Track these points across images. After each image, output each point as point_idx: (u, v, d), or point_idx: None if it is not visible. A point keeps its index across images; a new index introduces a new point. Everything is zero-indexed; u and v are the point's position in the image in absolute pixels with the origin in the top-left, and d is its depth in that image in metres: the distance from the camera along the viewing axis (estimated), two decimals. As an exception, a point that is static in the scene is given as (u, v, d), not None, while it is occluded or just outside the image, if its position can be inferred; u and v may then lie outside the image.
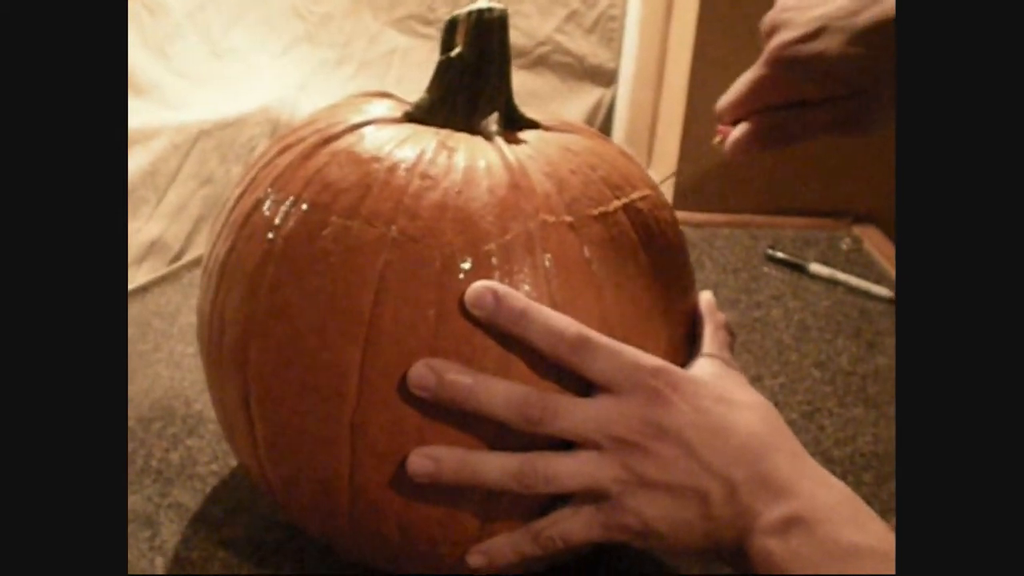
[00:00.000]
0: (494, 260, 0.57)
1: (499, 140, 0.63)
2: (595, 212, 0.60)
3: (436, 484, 0.57)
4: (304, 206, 0.59)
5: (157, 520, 0.73)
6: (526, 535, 0.60)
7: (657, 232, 0.64)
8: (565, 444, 0.58)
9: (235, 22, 1.38)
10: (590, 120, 1.54)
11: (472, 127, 0.64)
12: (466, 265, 0.56)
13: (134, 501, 0.74)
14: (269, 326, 0.59)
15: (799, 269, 1.19)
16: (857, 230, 1.33)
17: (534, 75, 1.48)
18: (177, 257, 1.21)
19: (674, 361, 0.60)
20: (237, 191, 0.65)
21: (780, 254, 1.22)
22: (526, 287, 0.57)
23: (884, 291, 1.13)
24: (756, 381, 0.92)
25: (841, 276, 1.17)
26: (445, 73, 0.65)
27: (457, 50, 0.64)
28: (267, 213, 0.60)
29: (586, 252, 0.59)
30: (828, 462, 0.75)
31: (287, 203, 0.60)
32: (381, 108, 0.67)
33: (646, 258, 0.62)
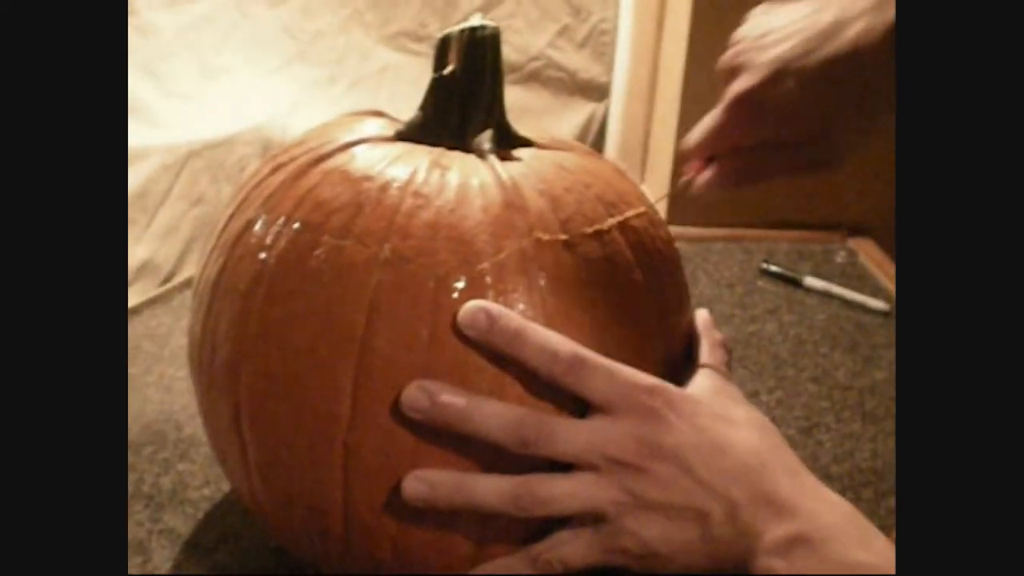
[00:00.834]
0: (488, 279, 0.56)
1: (492, 158, 0.62)
2: (590, 230, 0.60)
3: (431, 508, 0.57)
4: (296, 226, 0.58)
5: (149, 546, 0.72)
6: (523, 559, 0.60)
7: (652, 250, 0.63)
8: (562, 467, 0.58)
9: (225, 42, 1.37)
10: (583, 135, 1.53)
11: (465, 145, 0.64)
12: (460, 285, 0.56)
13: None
14: (260, 347, 0.58)
15: (794, 283, 1.19)
16: (852, 243, 1.32)
17: (526, 90, 1.47)
18: (168, 279, 1.20)
19: (671, 380, 0.60)
20: (228, 211, 0.64)
21: (775, 268, 1.21)
22: (520, 306, 0.56)
23: (880, 304, 1.13)
24: (753, 397, 0.91)
25: (836, 289, 1.16)
26: (438, 91, 0.65)
27: (450, 68, 0.64)
28: (258, 233, 0.60)
29: (581, 270, 0.58)
30: (827, 478, 0.75)
31: (278, 223, 0.59)
32: (373, 127, 0.66)
33: (642, 276, 0.61)
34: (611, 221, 0.61)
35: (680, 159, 0.74)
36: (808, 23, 0.65)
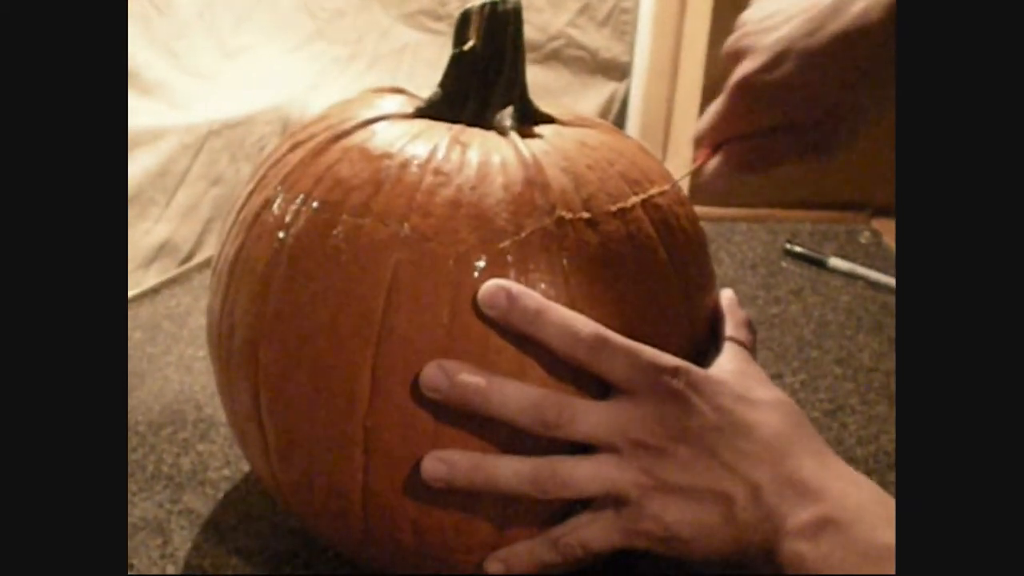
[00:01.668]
0: (509, 258, 0.55)
1: (514, 135, 0.61)
2: (613, 208, 0.59)
3: (450, 489, 0.56)
4: (314, 204, 0.58)
5: (168, 527, 0.71)
6: (544, 542, 0.59)
7: (677, 228, 0.62)
8: (583, 449, 0.57)
9: (244, 20, 1.37)
10: (603, 114, 1.52)
11: (486, 122, 0.63)
12: (480, 264, 0.55)
13: (144, 507, 0.73)
14: (279, 327, 0.57)
15: (818, 264, 1.18)
16: (876, 223, 1.31)
17: (546, 70, 1.46)
18: (187, 259, 1.19)
19: (695, 361, 0.59)
20: (247, 189, 0.64)
21: (799, 248, 1.20)
22: (542, 286, 0.55)
23: (905, 285, 1.11)
24: (777, 379, 0.91)
25: (861, 270, 1.15)
26: (458, 67, 0.64)
27: (470, 43, 0.63)
28: (277, 212, 0.59)
29: (604, 249, 0.57)
30: (851, 461, 0.74)
31: (297, 201, 0.58)
32: (393, 103, 0.65)
33: (666, 255, 0.60)
34: (635, 199, 0.60)
35: (695, 145, 0.73)
36: (810, 3, 0.64)
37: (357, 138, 0.60)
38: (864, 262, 1.17)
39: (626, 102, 1.54)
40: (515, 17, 0.62)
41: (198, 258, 1.20)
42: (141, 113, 1.19)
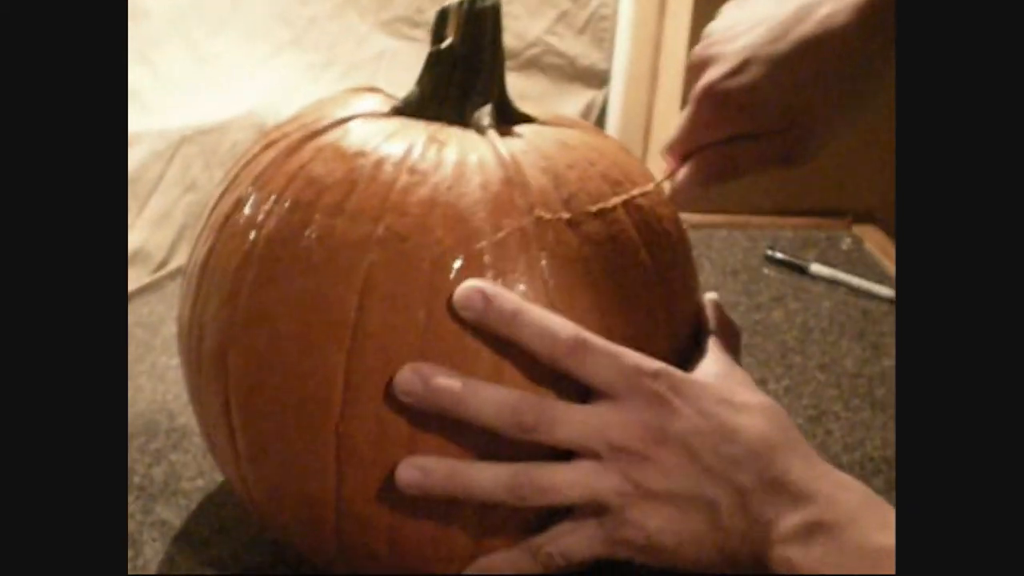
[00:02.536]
0: (487, 259, 0.54)
1: (492, 134, 0.60)
2: (594, 209, 0.58)
3: (426, 496, 0.55)
4: (287, 204, 0.56)
5: (140, 539, 0.70)
6: (524, 552, 0.58)
7: (659, 230, 0.61)
8: (563, 455, 0.56)
9: (219, 28, 1.36)
10: (582, 123, 1.52)
11: (464, 121, 0.62)
12: (457, 264, 0.54)
13: (114, 519, 0.71)
14: (249, 331, 0.56)
15: (799, 270, 1.17)
16: (857, 230, 1.30)
17: (524, 77, 1.46)
18: (160, 266, 1.19)
19: (677, 364, 0.58)
20: (219, 190, 0.62)
21: (780, 255, 1.19)
22: (521, 287, 0.54)
23: (887, 291, 1.11)
24: (760, 385, 0.88)
25: (843, 276, 1.14)
26: (436, 66, 0.63)
27: (448, 42, 0.62)
28: (248, 212, 0.58)
29: (584, 250, 0.56)
30: (837, 467, 0.72)
31: (269, 201, 0.57)
32: (369, 103, 0.64)
33: (648, 257, 0.59)
34: (616, 200, 0.59)
35: (665, 156, 0.73)
36: (775, 11, 0.64)
37: (331, 136, 0.59)
38: (845, 268, 1.16)
39: (605, 110, 1.54)
40: (493, 14, 0.61)
41: (171, 266, 1.19)
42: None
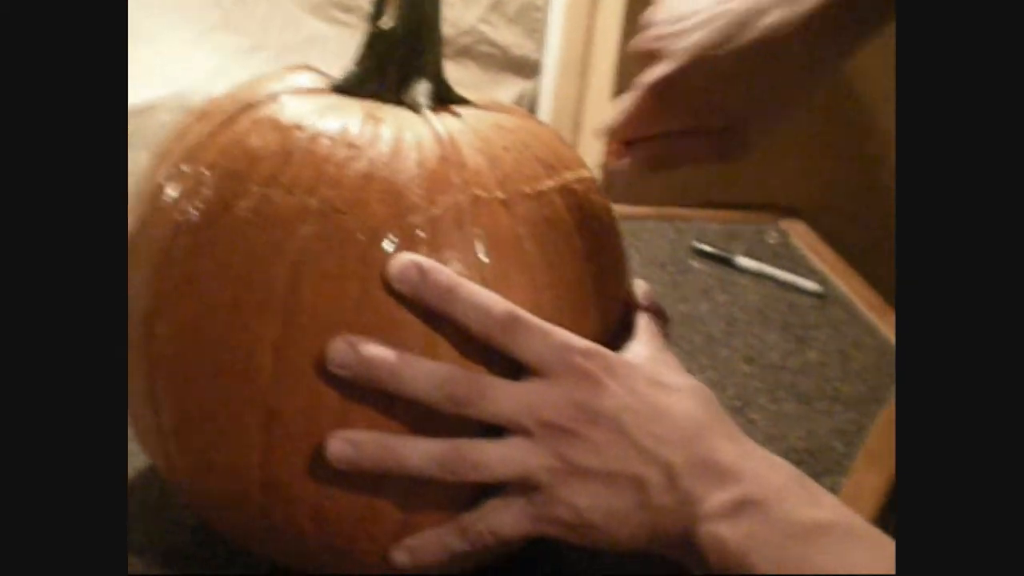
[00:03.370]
0: (421, 234, 0.54)
1: (428, 113, 0.60)
2: (528, 190, 0.58)
3: (356, 470, 0.54)
4: (220, 174, 0.56)
5: (57, 519, 0.68)
6: (453, 530, 0.57)
7: (592, 215, 0.61)
8: (495, 433, 0.55)
9: (146, 8, 1.34)
10: (513, 113, 1.52)
11: (401, 100, 0.61)
12: (392, 238, 0.53)
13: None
14: (177, 302, 0.55)
15: (726, 263, 1.18)
16: (784, 224, 1.32)
17: (457, 66, 1.46)
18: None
19: (608, 346, 0.58)
20: (150, 163, 0.61)
21: (707, 247, 1.20)
22: (455, 264, 0.54)
23: (812, 285, 1.12)
24: (686, 374, 0.90)
25: (769, 270, 1.16)
26: (374, 44, 0.62)
27: (385, 20, 0.61)
28: (180, 183, 0.57)
29: (519, 230, 0.56)
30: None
31: (203, 172, 0.56)
32: (305, 79, 0.64)
33: (580, 241, 0.59)
34: (550, 183, 0.59)
35: (603, 139, 0.74)
36: (723, 10, 0.65)
37: (267, 110, 0.58)
38: (772, 261, 1.18)
39: (536, 99, 1.54)
40: (432, -7, 0.61)
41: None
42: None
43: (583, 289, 0.59)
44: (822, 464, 0.82)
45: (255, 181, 0.55)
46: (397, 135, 0.57)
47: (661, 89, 0.67)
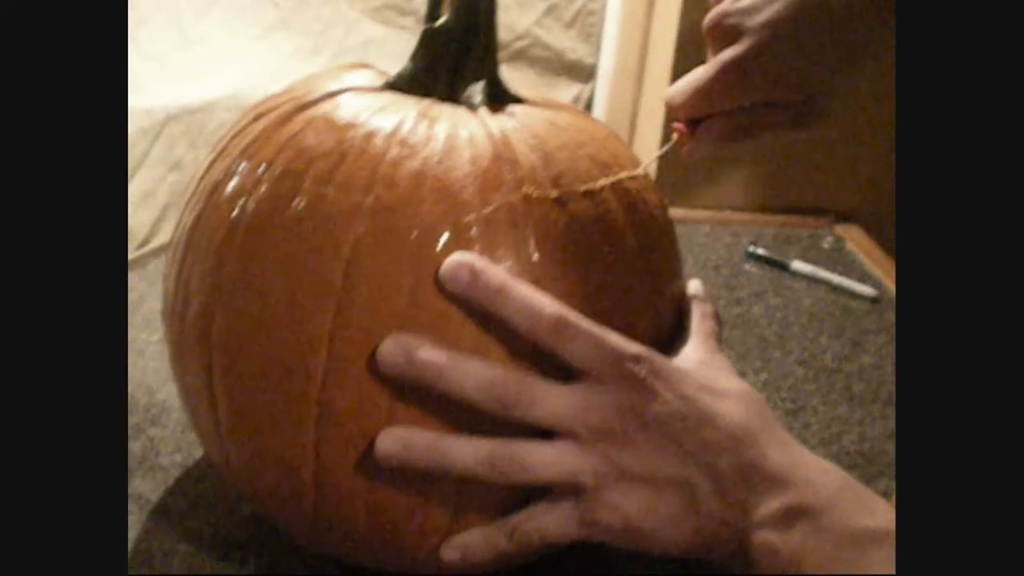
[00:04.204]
0: (474, 232, 0.54)
1: (483, 111, 0.60)
2: (582, 189, 0.58)
3: (404, 468, 0.54)
4: (276, 172, 0.56)
5: (115, 510, 0.69)
6: (500, 530, 0.57)
7: (645, 214, 0.61)
8: (544, 435, 0.55)
9: (207, 9, 1.35)
10: (568, 116, 1.52)
11: (455, 98, 0.62)
12: (444, 237, 0.53)
13: (91, 489, 0.71)
14: (235, 298, 0.56)
15: (780, 267, 1.17)
16: (839, 229, 1.31)
17: (512, 69, 1.46)
18: (143, 244, 1.18)
19: (659, 349, 0.58)
20: (208, 159, 0.62)
21: (761, 251, 1.19)
22: (507, 263, 0.54)
23: (867, 290, 1.11)
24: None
25: (823, 274, 1.15)
26: (429, 43, 0.63)
27: (443, 19, 0.62)
28: (237, 180, 0.58)
29: (571, 229, 0.56)
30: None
31: (259, 170, 0.57)
32: (361, 77, 0.64)
33: (634, 240, 0.59)
34: (604, 181, 0.59)
35: (670, 115, 0.73)
36: None
37: (322, 108, 0.59)
38: (826, 266, 1.17)
39: (591, 104, 1.54)
40: (488, -7, 0.61)
41: (153, 244, 1.19)
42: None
43: (636, 289, 0.59)
44: (876, 467, 0.81)
45: (310, 180, 0.55)
46: (451, 133, 0.57)
47: (738, 68, 0.66)
